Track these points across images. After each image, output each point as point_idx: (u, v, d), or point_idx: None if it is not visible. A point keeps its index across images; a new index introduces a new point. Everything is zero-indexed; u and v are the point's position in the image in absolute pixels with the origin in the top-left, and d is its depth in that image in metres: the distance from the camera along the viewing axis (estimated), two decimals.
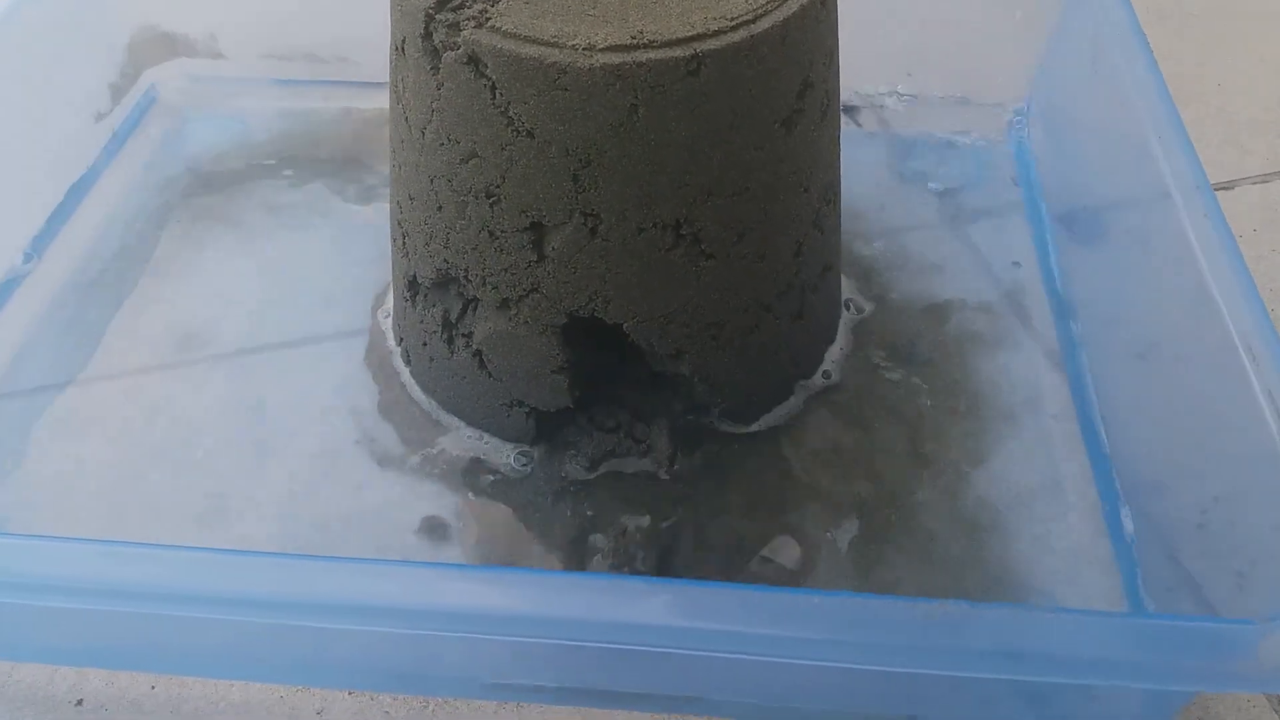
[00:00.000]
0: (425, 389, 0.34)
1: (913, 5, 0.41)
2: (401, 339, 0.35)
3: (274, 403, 0.35)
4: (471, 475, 0.33)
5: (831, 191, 0.32)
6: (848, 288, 0.37)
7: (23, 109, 0.41)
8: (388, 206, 0.40)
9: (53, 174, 0.42)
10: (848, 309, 0.36)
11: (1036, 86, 0.43)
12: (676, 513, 0.31)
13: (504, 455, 0.33)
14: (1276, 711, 0.29)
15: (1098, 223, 0.39)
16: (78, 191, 0.43)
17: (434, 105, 0.27)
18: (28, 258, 0.40)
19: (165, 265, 0.40)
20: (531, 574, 0.27)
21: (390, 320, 0.37)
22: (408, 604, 0.23)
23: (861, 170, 0.41)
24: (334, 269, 0.40)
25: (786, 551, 0.30)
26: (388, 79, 0.47)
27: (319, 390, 0.36)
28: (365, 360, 0.36)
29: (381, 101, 0.46)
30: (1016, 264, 0.40)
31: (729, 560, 0.30)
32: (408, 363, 0.35)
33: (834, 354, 0.35)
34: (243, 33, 0.47)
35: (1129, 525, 0.32)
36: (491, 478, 0.32)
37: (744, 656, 0.23)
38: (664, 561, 0.30)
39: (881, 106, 0.44)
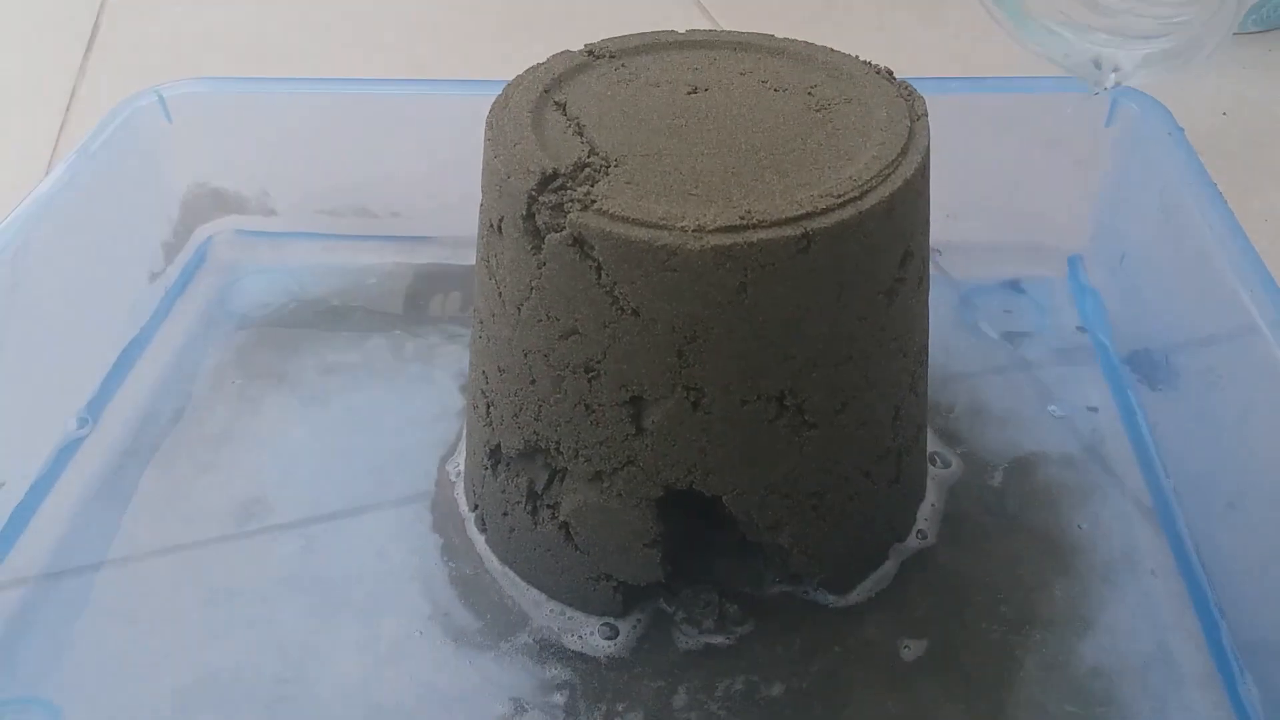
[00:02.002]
0: (503, 559, 0.33)
1: (963, 155, 0.41)
2: (477, 505, 0.34)
3: (341, 576, 0.34)
4: (555, 651, 0.31)
5: (924, 354, 0.31)
6: (931, 441, 0.36)
7: (78, 271, 0.40)
8: (446, 364, 0.40)
9: (108, 335, 0.42)
10: (933, 463, 0.35)
11: (1096, 229, 0.43)
12: (789, 691, 0.30)
13: (590, 629, 0.31)
14: None
15: (1169, 365, 0.39)
16: (132, 352, 0.42)
17: (533, 283, 0.26)
18: (82, 423, 0.39)
19: (222, 429, 0.39)
20: None
21: (461, 484, 0.35)
22: None
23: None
24: (395, 429, 0.39)
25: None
26: (437, 233, 0.47)
27: (389, 562, 0.34)
28: (434, 527, 0.35)
29: (434, 256, 0.47)
30: (1093, 409, 0.39)
31: None
32: (483, 530, 0.34)
33: (925, 511, 0.34)
34: (294, 189, 0.48)
35: (1253, 695, 0.30)
36: (576, 653, 0.31)
37: None
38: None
39: (939, 253, 0.44)
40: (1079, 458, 0.37)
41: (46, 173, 0.56)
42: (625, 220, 0.25)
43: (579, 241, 0.25)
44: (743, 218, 0.24)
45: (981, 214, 0.43)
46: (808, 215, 0.25)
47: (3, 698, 0.31)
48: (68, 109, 0.62)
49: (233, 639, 0.32)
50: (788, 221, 0.24)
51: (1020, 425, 0.38)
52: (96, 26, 0.71)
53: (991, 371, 0.41)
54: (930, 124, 0.28)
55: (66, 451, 0.38)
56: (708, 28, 0.34)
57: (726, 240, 0.24)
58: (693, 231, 0.24)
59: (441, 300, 0.45)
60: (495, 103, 0.29)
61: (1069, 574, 0.33)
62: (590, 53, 0.31)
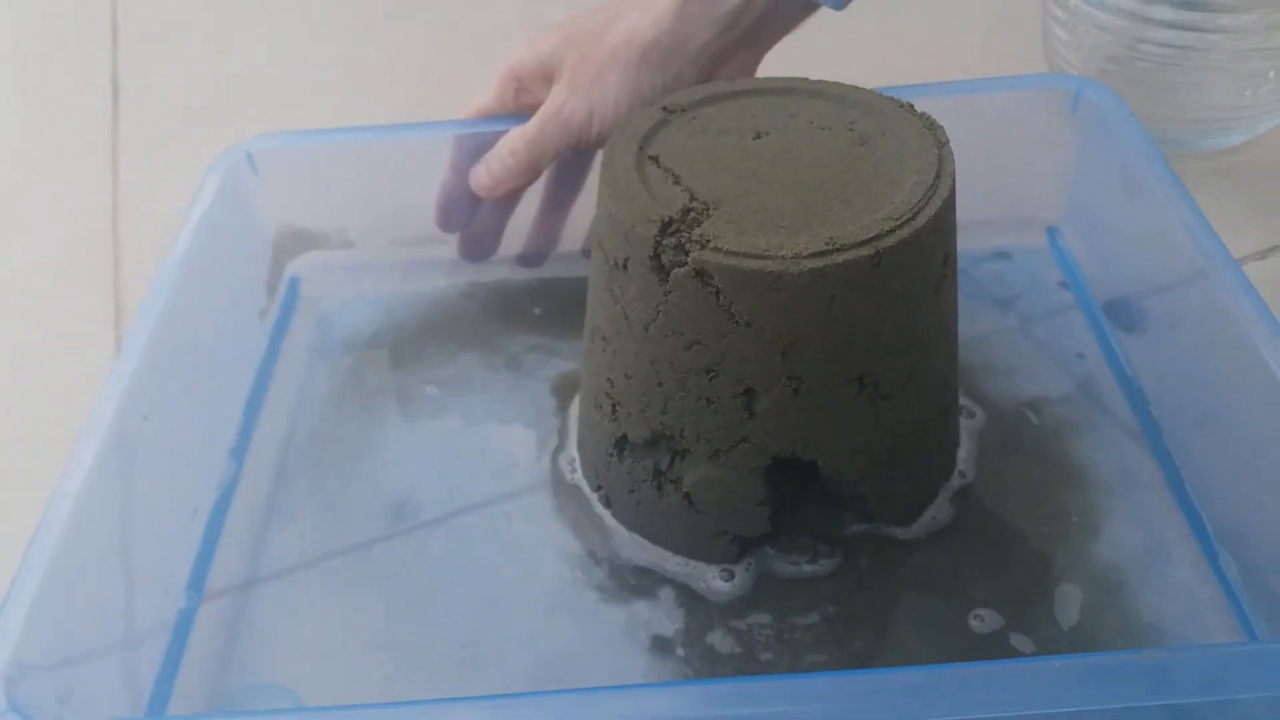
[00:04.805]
0: (630, 527, 0.40)
1: (955, 147, 0.47)
2: (600, 486, 0.41)
3: (490, 557, 0.41)
4: (685, 594, 0.39)
5: (955, 331, 0.39)
6: (959, 396, 0.44)
7: (211, 318, 0.46)
8: (532, 370, 0.46)
9: (240, 374, 0.48)
10: (963, 415, 0.43)
11: (1070, 201, 0.51)
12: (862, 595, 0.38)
13: (711, 575, 0.39)
14: None
15: (1140, 311, 0.47)
16: (260, 387, 0.48)
17: (660, 307, 0.34)
18: (236, 456, 0.45)
19: (355, 444, 0.46)
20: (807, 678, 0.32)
21: (579, 471, 0.43)
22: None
23: None
24: (503, 431, 0.46)
25: (987, 617, 0.37)
26: (500, 253, 0.53)
27: (529, 539, 0.41)
28: (559, 509, 0.42)
29: (499, 274, 0.53)
30: (1081, 356, 0.47)
31: (940, 629, 0.37)
32: (608, 506, 0.41)
33: (962, 456, 0.42)
34: (367, 223, 0.53)
35: (1231, 569, 0.39)
36: (703, 594, 0.38)
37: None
38: (880, 638, 0.36)
39: None
40: (1075, 397, 0.45)
41: (112, 228, 0.62)
42: (737, 254, 0.32)
43: (700, 273, 0.32)
44: (827, 244, 0.32)
45: (972, 195, 0.50)
46: (877, 237, 0.32)
47: (248, 684, 0.37)
48: (114, 163, 0.67)
49: (414, 619, 0.39)
50: (862, 244, 0.32)
51: (1024, 375, 0.46)
52: (116, 77, 0.76)
53: (994, 331, 0.48)
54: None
55: (229, 483, 0.44)
56: None
57: (818, 264, 0.31)
58: (791, 258, 0.31)
59: (515, 313, 0.52)
60: (602, 162, 0.36)
61: (1081, 492, 0.41)
62: (665, 109, 0.38)
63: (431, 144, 0.50)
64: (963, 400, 0.44)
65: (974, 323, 0.48)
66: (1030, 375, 0.46)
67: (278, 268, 0.53)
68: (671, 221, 0.33)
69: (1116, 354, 0.47)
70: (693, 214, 0.33)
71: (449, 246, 0.53)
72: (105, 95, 0.74)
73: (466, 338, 0.51)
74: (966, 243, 0.48)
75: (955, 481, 0.41)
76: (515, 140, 0.45)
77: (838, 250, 0.32)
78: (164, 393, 0.41)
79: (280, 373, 0.50)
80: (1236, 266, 0.40)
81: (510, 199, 0.49)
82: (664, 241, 0.33)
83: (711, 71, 0.43)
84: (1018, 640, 0.37)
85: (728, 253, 0.32)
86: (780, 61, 0.45)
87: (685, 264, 0.32)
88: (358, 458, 0.46)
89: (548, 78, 0.45)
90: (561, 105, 0.44)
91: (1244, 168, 0.57)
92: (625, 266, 0.34)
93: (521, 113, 0.47)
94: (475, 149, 0.48)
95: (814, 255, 0.31)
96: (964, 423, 0.43)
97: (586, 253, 0.52)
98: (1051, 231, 0.52)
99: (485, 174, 0.47)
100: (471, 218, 0.51)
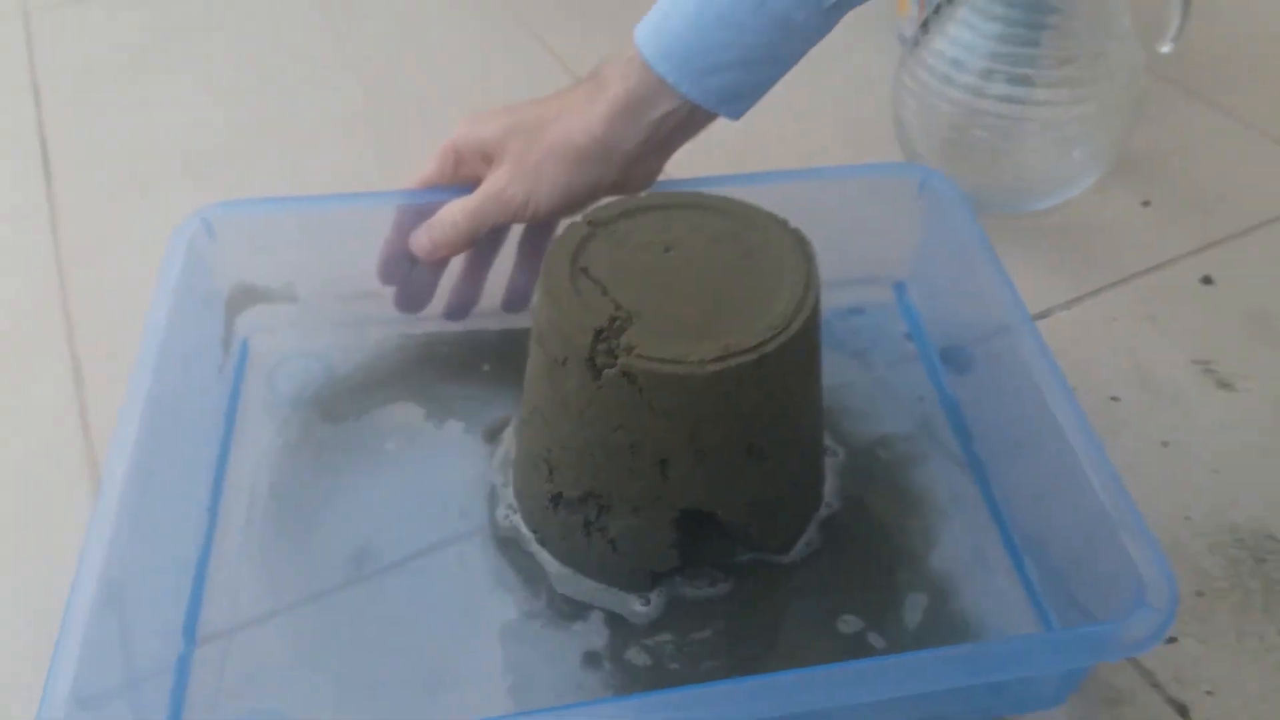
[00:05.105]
0: (564, 564, 0.48)
1: (819, 218, 0.57)
2: (536, 530, 0.49)
3: (447, 593, 0.49)
4: (610, 618, 0.47)
5: (820, 398, 0.48)
6: (825, 437, 0.54)
7: (185, 379, 0.51)
8: (466, 417, 0.54)
9: (206, 432, 0.54)
10: (828, 454, 0.53)
11: (913, 264, 0.62)
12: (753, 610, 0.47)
13: (631, 601, 0.48)
14: (1140, 670, 0.47)
15: (969, 356, 0.58)
16: (226, 443, 0.54)
17: (593, 398, 0.42)
18: (210, 511, 0.51)
19: (312, 495, 0.53)
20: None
21: (518, 515, 0.51)
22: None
23: None
24: (445, 478, 0.53)
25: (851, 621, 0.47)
26: (430, 308, 0.59)
27: (477, 578, 0.49)
28: (501, 549, 0.50)
29: (430, 327, 0.60)
30: (921, 398, 0.58)
31: (814, 633, 0.46)
32: (543, 546, 0.49)
33: (828, 489, 0.52)
34: (313, 280, 0.59)
35: (1031, 572, 0.50)
36: (624, 617, 0.47)
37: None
38: (767, 645, 0.46)
39: None
40: (916, 434, 0.56)
41: (60, 290, 0.66)
42: (655, 360, 0.40)
43: (627, 374, 0.41)
44: (724, 350, 0.41)
45: (833, 259, 0.60)
46: (761, 344, 0.41)
47: (248, 709, 0.44)
48: (54, 228, 0.71)
49: (383, 650, 0.47)
50: (751, 349, 0.41)
51: (876, 417, 0.56)
52: (44, 141, 0.79)
53: (851, 379, 0.58)
54: (796, 196, 0.45)
55: (206, 537, 0.51)
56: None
57: (717, 367, 0.40)
58: (696, 363, 0.40)
59: (445, 364, 0.59)
60: (542, 272, 0.44)
61: (920, 515, 0.52)
62: (590, 223, 0.46)
63: (375, 211, 0.56)
64: (827, 441, 0.54)
65: (834, 373, 0.58)
66: (880, 417, 0.57)
67: (230, 324, 0.58)
68: (602, 330, 0.41)
69: (949, 395, 0.58)
70: (618, 322, 0.42)
71: (384, 301, 0.59)
72: (35, 157, 0.77)
73: (403, 389, 0.58)
74: (827, 301, 0.58)
75: (823, 511, 0.51)
76: (456, 212, 0.52)
77: (732, 356, 0.41)
78: (154, 457, 0.47)
79: (238, 426, 0.56)
80: (1031, 322, 0.50)
81: (445, 260, 0.56)
82: (597, 347, 0.41)
83: (628, 170, 0.51)
84: (874, 639, 0.47)
85: (648, 359, 0.40)
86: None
87: (614, 366, 0.41)
88: (316, 509, 0.52)
89: (487, 158, 0.52)
90: (503, 188, 0.51)
91: (1058, 227, 0.69)
92: (564, 363, 0.42)
93: (458, 184, 0.54)
94: (416, 214, 0.55)
95: (714, 360, 0.40)
96: (829, 460, 0.53)
97: (507, 307, 0.59)
98: (899, 289, 0.63)
99: (427, 239, 0.54)
100: (409, 274, 0.57)
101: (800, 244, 0.46)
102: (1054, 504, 0.48)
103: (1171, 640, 0.49)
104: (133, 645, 0.44)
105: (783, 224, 0.47)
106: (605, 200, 0.48)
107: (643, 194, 0.48)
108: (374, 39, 0.91)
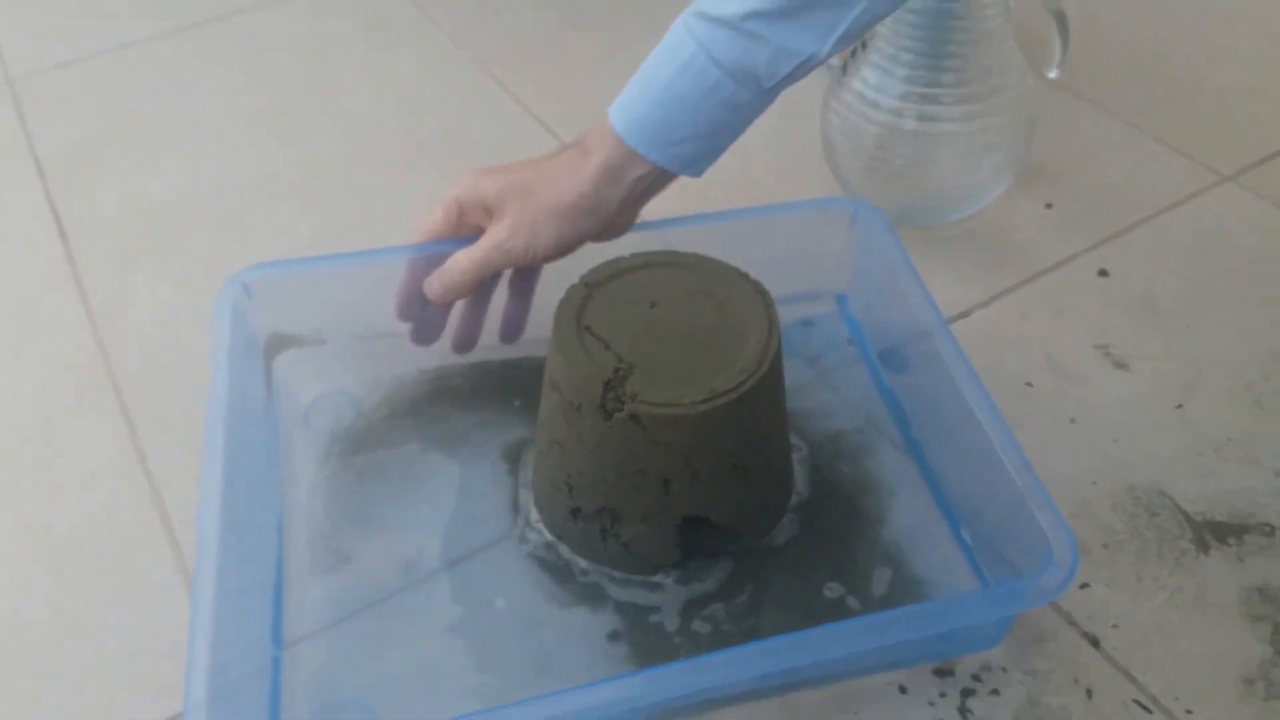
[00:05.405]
0: (585, 558, 0.59)
1: (770, 248, 0.66)
2: (559, 537, 0.59)
3: (487, 591, 0.59)
4: (626, 604, 0.58)
5: (786, 415, 0.59)
6: (792, 436, 0.64)
7: (247, 428, 0.60)
8: (485, 439, 0.63)
9: (267, 464, 0.63)
10: (795, 450, 0.64)
11: (851, 279, 0.72)
12: (750, 588, 0.58)
13: (642, 588, 0.58)
14: (1059, 612, 0.59)
15: (904, 356, 0.68)
16: (279, 476, 0.63)
17: (605, 435, 0.52)
18: (279, 530, 0.61)
19: (361, 515, 0.62)
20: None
21: (542, 525, 0.60)
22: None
23: None
24: (471, 495, 0.63)
25: (833, 587, 0.58)
26: (442, 343, 0.68)
27: (513, 578, 0.59)
28: (529, 554, 0.60)
29: (440, 360, 0.69)
30: (866, 395, 0.68)
31: (797, 603, 0.57)
32: (561, 539, 0.59)
33: (798, 481, 0.62)
34: (337, 325, 0.68)
35: (967, 537, 0.61)
36: (638, 603, 0.58)
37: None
38: (762, 615, 0.56)
39: None
40: (864, 427, 0.67)
41: (101, 352, 0.73)
42: (656, 404, 0.50)
43: (633, 416, 0.51)
44: (710, 393, 0.51)
45: (785, 280, 0.70)
46: (738, 385, 0.51)
47: (334, 700, 0.54)
48: (80, 289, 0.78)
49: (438, 640, 0.57)
50: (732, 389, 0.51)
51: (829, 414, 0.67)
52: (54, 209, 0.85)
53: (807, 382, 0.69)
54: (753, 230, 0.56)
55: (279, 556, 0.60)
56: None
57: (706, 408, 0.50)
58: (689, 405, 0.50)
59: (458, 394, 0.69)
60: (553, 331, 0.53)
61: (873, 496, 0.63)
62: (586, 285, 0.56)
63: (389, 264, 0.64)
64: (794, 440, 0.64)
65: (792, 377, 0.68)
66: (834, 414, 0.67)
67: (269, 369, 0.67)
68: (610, 381, 0.51)
69: (890, 391, 0.68)
70: (621, 372, 0.51)
71: (401, 341, 0.68)
72: (50, 224, 0.84)
73: (424, 418, 0.67)
74: (783, 315, 0.68)
75: (795, 500, 0.62)
76: (464, 260, 0.61)
77: (717, 397, 0.51)
78: (234, 495, 0.55)
79: (285, 459, 0.65)
80: (947, 327, 0.61)
81: (453, 301, 0.65)
82: (607, 395, 0.51)
83: (610, 222, 0.60)
84: (851, 602, 0.58)
85: (650, 403, 0.50)
86: None
87: (623, 410, 0.51)
88: (365, 528, 0.62)
89: (487, 212, 0.61)
90: (505, 240, 0.59)
91: (974, 234, 0.80)
92: (579, 409, 0.52)
93: (462, 234, 0.63)
94: (427, 261, 0.63)
95: (703, 401, 0.50)
96: (796, 456, 0.64)
97: (503, 339, 0.68)
98: (840, 301, 0.73)
99: (438, 284, 0.63)
100: (422, 313, 0.66)
101: (760, 294, 0.55)
102: (979, 481, 0.59)
103: (1084, 586, 0.60)
104: (237, 651, 0.54)
105: (745, 276, 0.56)
106: (597, 264, 0.58)
107: (628, 255, 0.58)
108: (350, 91, 0.98)
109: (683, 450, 0.52)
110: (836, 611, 0.57)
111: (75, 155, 0.91)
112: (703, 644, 0.56)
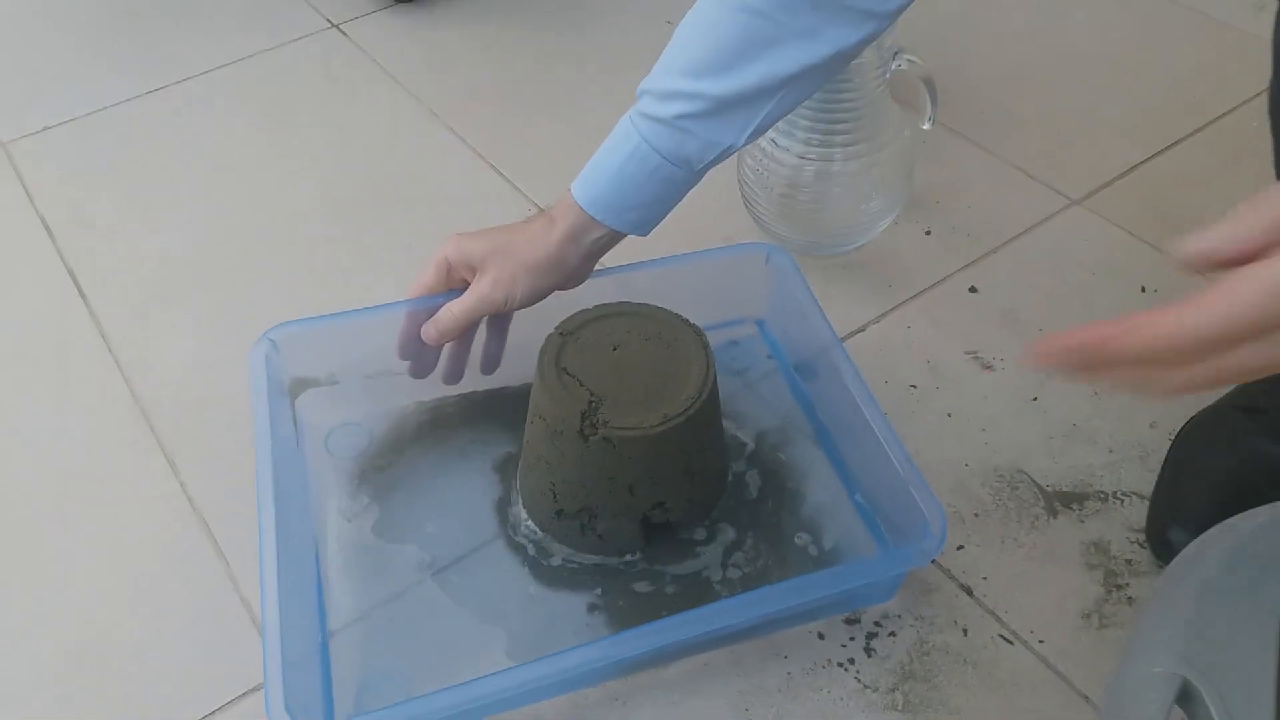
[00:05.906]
0: (567, 549, 0.73)
1: (701, 287, 0.82)
2: (547, 531, 0.74)
3: (489, 580, 0.73)
4: (601, 581, 0.73)
5: (721, 425, 0.74)
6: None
7: (284, 459, 0.74)
8: (481, 458, 0.78)
9: (300, 489, 0.76)
10: (745, 445, 0.79)
11: (769, 306, 0.88)
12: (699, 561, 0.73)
13: (616, 566, 0.73)
14: (941, 569, 0.75)
15: (813, 367, 0.84)
16: (311, 495, 0.77)
17: (583, 453, 0.67)
18: (319, 542, 0.74)
19: (384, 521, 0.76)
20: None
21: (530, 524, 0.75)
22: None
23: None
24: (469, 502, 0.77)
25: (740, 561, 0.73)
26: (432, 379, 0.82)
27: (508, 568, 0.74)
28: (520, 548, 0.75)
29: (434, 392, 0.83)
30: (784, 400, 0.84)
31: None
32: (550, 540, 0.74)
33: (744, 470, 0.78)
34: (349, 366, 0.81)
35: (870, 513, 0.77)
36: (611, 575, 0.73)
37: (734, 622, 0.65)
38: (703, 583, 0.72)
39: None
40: (784, 425, 0.82)
41: (134, 401, 0.85)
42: (623, 428, 0.65)
43: (606, 439, 0.65)
44: (664, 418, 0.66)
45: (715, 309, 0.85)
46: (685, 409, 0.66)
47: (376, 673, 0.68)
48: (104, 339, 0.90)
49: (453, 623, 0.71)
50: (680, 414, 0.66)
51: (757, 417, 0.83)
52: (69, 267, 0.96)
53: (737, 391, 0.84)
54: (689, 271, 0.72)
55: (317, 558, 0.73)
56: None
57: (662, 429, 0.65)
58: (649, 428, 0.65)
59: (452, 420, 0.83)
60: (536, 372, 0.68)
61: (795, 480, 0.78)
62: (561, 333, 0.70)
63: (390, 317, 0.78)
64: (742, 436, 0.80)
65: (725, 388, 0.84)
66: (759, 415, 0.83)
67: (293, 406, 0.80)
68: (585, 412, 0.66)
69: (804, 395, 0.84)
70: (594, 404, 0.66)
71: (401, 378, 0.81)
72: (66, 280, 0.95)
73: (426, 441, 0.81)
74: (714, 338, 0.82)
75: (729, 487, 0.77)
76: (455, 310, 0.75)
77: (670, 420, 0.66)
78: (282, 513, 0.69)
79: (312, 481, 0.78)
80: (841, 344, 0.77)
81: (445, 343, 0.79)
82: (584, 423, 0.66)
83: (573, 274, 0.74)
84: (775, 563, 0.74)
85: (618, 428, 0.65)
86: None
87: (596, 434, 0.65)
88: (383, 533, 0.76)
89: (471, 269, 0.74)
90: (489, 293, 0.73)
91: (867, 260, 0.96)
92: (561, 433, 0.67)
93: (452, 288, 0.76)
94: (423, 311, 0.77)
95: (659, 425, 0.65)
96: (745, 449, 0.79)
97: (484, 370, 0.82)
98: (760, 325, 0.89)
99: (434, 330, 0.76)
100: (419, 353, 0.80)
101: (699, 336, 0.71)
102: (873, 468, 0.75)
103: (960, 547, 0.76)
104: (295, 636, 0.67)
105: (686, 323, 0.72)
106: (569, 315, 0.72)
107: (594, 306, 0.72)
108: (320, 147, 1.10)
109: (645, 462, 0.67)
110: (756, 577, 0.73)
111: (77, 213, 1.02)
112: (669, 604, 0.71)
